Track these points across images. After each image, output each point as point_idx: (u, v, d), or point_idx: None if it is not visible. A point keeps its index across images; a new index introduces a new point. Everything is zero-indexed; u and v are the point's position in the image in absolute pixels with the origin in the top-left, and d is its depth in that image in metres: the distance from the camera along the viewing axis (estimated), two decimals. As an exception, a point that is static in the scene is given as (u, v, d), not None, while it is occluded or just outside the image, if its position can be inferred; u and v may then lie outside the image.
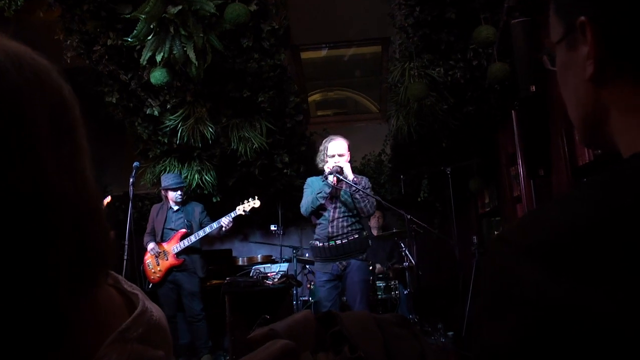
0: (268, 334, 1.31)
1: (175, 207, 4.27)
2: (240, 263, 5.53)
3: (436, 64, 4.17)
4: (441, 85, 4.23)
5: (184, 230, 4.17)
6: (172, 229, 4.23)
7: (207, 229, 4.10)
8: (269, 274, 3.79)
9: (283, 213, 5.60)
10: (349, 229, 3.16)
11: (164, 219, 4.23)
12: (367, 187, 3.24)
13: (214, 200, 5.10)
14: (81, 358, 0.42)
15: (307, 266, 5.05)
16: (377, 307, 4.57)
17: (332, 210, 3.19)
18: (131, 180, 3.56)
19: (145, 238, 4.26)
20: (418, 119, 4.57)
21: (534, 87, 2.50)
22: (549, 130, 2.49)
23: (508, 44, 2.90)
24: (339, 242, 3.14)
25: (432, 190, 5.50)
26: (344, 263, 3.16)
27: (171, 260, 4.12)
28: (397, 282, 4.75)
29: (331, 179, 3.20)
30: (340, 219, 3.17)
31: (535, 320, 0.37)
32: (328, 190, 3.18)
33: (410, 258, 4.57)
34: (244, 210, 4.11)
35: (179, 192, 4.24)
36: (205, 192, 4.93)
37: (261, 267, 4.27)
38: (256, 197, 4.12)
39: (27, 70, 0.41)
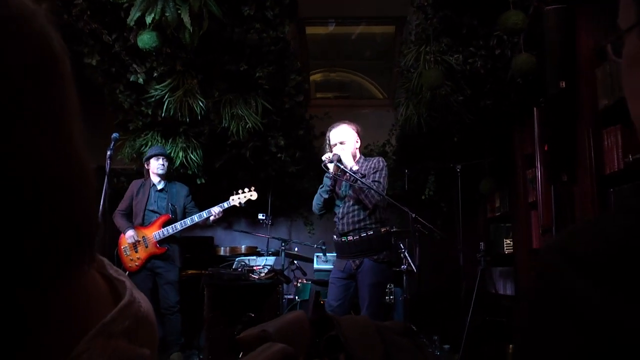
0: (260, 335, 1.29)
1: (159, 186, 4.26)
2: (222, 253, 5.53)
3: (455, 50, 4.14)
4: (458, 74, 4.22)
5: (168, 215, 4.17)
6: (154, 212, 4.21)
7: (196, 218, 4.09)
8: (254, 268, 3.78)
9: (273, 201, 5.55)
10: (361, 224, 3.16)
11: (146, 199, 4.21)
12: (378, 168, 3.19)
13: (198, 182, 5.06)
14: (59, 352, 0.41)
15: (295, 262, 5.00)
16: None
17: (342, 206, 3.21)
18: (109, 153, 3.51)
19: (119, 219, 4.22)
20: (430, 109, 4.57)
21: (564, 83, 2.48)
22: (575, 132, 2.47)
23: (538, 34, 2.87)
24: (350, 238, 3.16)
25: (438, 189, 5.50)
26: (357, 262, 3.17)
27: (152, 249, 4.11)
28: (392, 285, 4.76)
29: (331, 168, 3.19)
30: (351, 214, 3.19)
31: (597, 343, 0.36)
32: (329, 182, 3.18)
33: (410, 261, 4.50)
34: (239, 203, 4.11)
35: (161, 161, 4.23)
36: (190, 172, 4.89)
37: (245, 259, 4.29)
38: (253, 189, 4.13)
39: (9, 7, 0.38)
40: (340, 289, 3.18)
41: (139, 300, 0.50)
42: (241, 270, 3.72)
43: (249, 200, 4.11)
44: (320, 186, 3.22)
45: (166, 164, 4.25)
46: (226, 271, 3.68)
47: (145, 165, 4.31)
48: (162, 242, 4.12)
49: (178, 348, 4.12)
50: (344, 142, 3.25)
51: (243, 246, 5.68)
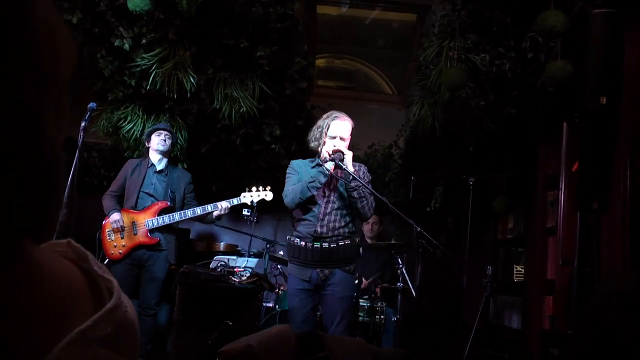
0: (245, 351, 1.25)
1: (159, 166, 4.21)
2: (199, 248, 5.51)
3: (482, 49, 4.14)
4: (483, 75, 4.22)
5: (166, 202, 4.11)
6: (150, 195, 4.14)
7: (198, 210, 4.02)
8: (235, 269, 3.75)
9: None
10: (341, 230, 3.15)
11: (142, 180, 4.14)
12: (366, 180, 3.20)
13: (180, 166, 5.01)
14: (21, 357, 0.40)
15: (279, 267, 5.02)
16: (356, 332, 4.57)
17: (323, 205, 3.16)
18: (83, 124, 3.43)
19: (107, 200, 4.15)
20: (446, 111, 4.56)
21: (604, 99, 2.46)
22: (612, 156, 2.46)
23: (579, 39, 2.85)
24: (325, 245, 3.10)
25: (446, 201, 5.48)
26: (326, 272, 3.13)
27: (142, 238, 4.02)
28: (384, 304, 4.78)
29: (329, 166, 3.14)
30: (333, 217, 3.16)
31: None
32: (323, 179, 3.11)
33: (407, 278, 4.60)
34: (251, 201, 4.05)
35: (162, 136, 4.18)
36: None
37: (224, 258, 4.23)
38: (269, 188, 4.06)
39: None
40: (304, 301, 3.13)
41: (125, 305, 0.50)
42: (221, 270, 3.69)
43: (263, 200, 4.06)
44: (309, 179, 3.11)
45: (169, 141, 4.20)
46: (204, 270, 3.65)
47: (146, 144, 4.27)
48: (154, 231, 4.06)
49: (144, 352, 4.08)
50: (345, 139, 3.22)
51: (222, 243, 5.63)
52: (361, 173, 3.21)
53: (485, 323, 4.59)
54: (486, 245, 5.80)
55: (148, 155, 4.24)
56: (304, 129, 5.15)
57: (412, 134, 5.22)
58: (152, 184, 4.15)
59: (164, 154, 4.19)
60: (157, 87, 4.32)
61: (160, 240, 4.05)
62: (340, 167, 3.10)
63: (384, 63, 6.86)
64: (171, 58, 4.24)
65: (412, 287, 4.48)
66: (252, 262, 4.33)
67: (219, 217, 4.08)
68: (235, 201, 4.05)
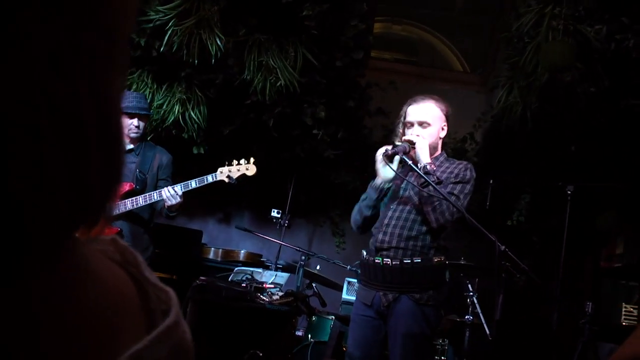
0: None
1: (130, 145, 4.22)
2: (210, 255, 5.52)
3: (597, 18, 4.06)
4: (596, 54, 4.14)
5: (131, 184, 4.10)
6: None
7: (156, 195, 3.94)
8: (264, 285, 3.77)
9: (295, 194, 5.54)
10: (410, 243, 3.09)
11: None
12: (463, 179, 3.12)
13: (195, 151, 5.07)
14: None
15: (314, 285, 4.93)
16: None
17: (392, 208, 3.17)
18: None
19: None
20: (543, 99, 4.51)
21: None
22: None
23: None
24: (387, 260, 3.06)
25: (533, 214, 5.41)
26: (390, 297, 3.08)
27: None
28: (447, 342, 4.74)
29: (396, 163, 3.11)
30: (401, 223, 3.13)
31: None
32: (374, 195, 3.15)
33: (479, 311, 4.56)
34: (227, 177, 3.96)
35: (135, 122, 4.15)
36: (185, 135, 4.91)
37: (247, 270, 4.26)
38: (252, 161, 3.99)
39: None
40: (368, 331, 3.12)
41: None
42: (247, 286, 3.70)
43: (244, 176, 3.94)
44: (363, 197, 3.18)
45: (142, 125, 4.16)
46: (226, 284, 3.66)
47: None
48: (115, 219, 4.00)
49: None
50: (426, 124, 3.16)
51: (242, 251, 5.65)
52: (453, 168, 3.16)
53: (581, 378, 4.43)
54: (585, 274, 5.69)
55: None
56: (355, 112, 5.31)
57: (494, 126, 5.19)
58: None
59: (134, 141, 4.17)
60: (174, 49, 4.34)
61: (122, 231, 3.98)
62: (405, 163, 3.05)
63: (457, 32, 6.85)
64: (194, 13, 4.28)
65: (485, 322, 4.40)
66: (282, 277, 4.33)
67: (173, 208, 3.90)
68: (209, 179, 3.90)
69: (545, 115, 4.56)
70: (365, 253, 3.17)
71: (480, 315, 4.48)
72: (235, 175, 3.98)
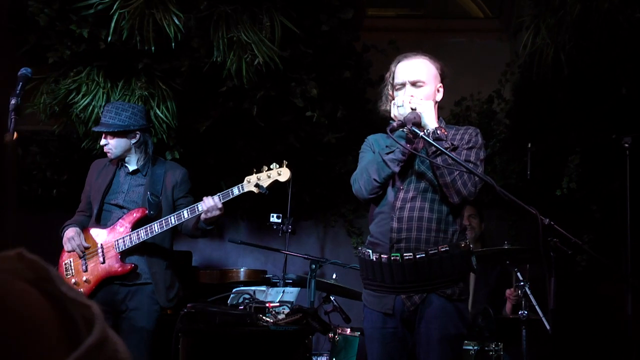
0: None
1: (132, 166, 4.08)
2: (206, 280, 5.35)
3: None
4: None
5: (143, 209, 3.95)
6: (119, 206, 4.03)
7: (186, 213, 3.84)
8: (267, 305, 3.66)
9: (295, 193, 5.23)
10: (432, 233, 2.95)
11: (106, 185, 4.04)
12: (475, 145, 3.05)
13: (169, 157, 4.88)
14: None
15: (332, 298, 4.70)
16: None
17: (398, 188, 3.05)
18: (13, 102, 3.24)
19: (71, 219, 4.11)
20: (577, 36, 4.28)
21: None
22: None
23: None
24: (407, 255, 2.89)
25: (586, 179, 5.13)
26: (416, 299, 2.93)
27: (111, 266, 3.89)
28: (501, 346, 4.36)
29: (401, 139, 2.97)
30: (416, 206, 2.99)
31: None
32: (406, 145, 2.94)
33: (534, 303, 4.27)
34: (257, 186, 3.80)
35: (102, 142, 3.98)
36: (154, 139, 4.67)
37: (249, 290, 4.08)
38: (285, 164, 3.85)
39: None
40: (393, 347, 2.99)
41: (114, 341, 0.53)
42: (245, 307, 3.58)
43: (276, 183, 3.80)
44: (385, 150, 3.01)
45: (115, 143, 3.98)
46: (219, 309, 3.53)
47: None
48: (128, 254, 3.91)
49: None
50: (421, 82, 3.04)
51: (242, 269, 5.42)
52: (466, 136, 3.06)
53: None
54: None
55: None
56: (354, 84, 5.12)
57: (523, 78, 4.96)
58: (122, 191, 4.02)
59: (124, 157, 4.06)
60: (124, 37, 4.18)
61: (137, 267, 3.90)
62: (417, 135, 2.87)
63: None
64: None
65: (544, 316, 4.19)
66: (291, 293, 4.24)
67: (211, 220, 3.84)
68: (235, 191, 3.80)
69: (583, 55, 4.32)
70: (369, 252, 3.01)
71: (537, 307, 4.22)
72: (266, 183, 3.83)
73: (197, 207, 3.86)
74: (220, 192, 3.95)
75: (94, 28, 4.27)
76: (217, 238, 5.95)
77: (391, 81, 3.13)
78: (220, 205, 3.80)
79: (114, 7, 4.10)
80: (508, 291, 4.61)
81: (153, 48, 4.24)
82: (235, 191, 3.83)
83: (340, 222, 5.95)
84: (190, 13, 4.26)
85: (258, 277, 5.29)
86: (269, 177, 3.81)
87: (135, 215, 3.94)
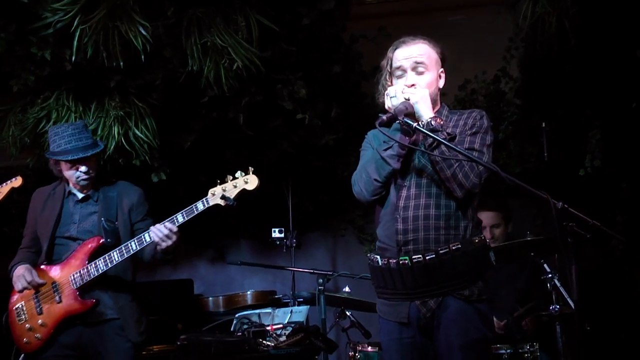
0: None
1: (81, 194, 3.96)
2: (211, 308, 5.31)
3: None
4: None
5: (98, 237, 3.85)
6: (72, 239, 3.91)
7: (134, 244, 3.70)
8: (268, 327, 3.63)
9: (296, 204, 5.30)
10: (441, 231, 2.87)
11: (56, 216, 3.93)
12: (479, 129, 2.97)
13: (155, 179, 4.87)
14: None
15: (349, 313, 4.72)
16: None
17: (400, 185, 2.98)
18: None
19: (17, 258, 4.00)
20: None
21: None
22: None
23: None
24: (418, 257, 2.81)
25: (610, 155, 5.04)
26: (431, 304, 2.86)
27: (69, 304, 3.77)
28: (536, 345, 4.31)
29: (394, 132, 2.93)
30: (421, 204, 2.91)
31: None
32: (403, 138, 2.89)
33: (566, 295, 4.18)
34: (223, 198, 3.69)
35: (82, 170, 3.86)
36: (136, 162, 4.70)
37: (253, 313, 4.12)
38: (251, 170, 3.75)
39: None
40: (413, 358, 2.93)
41: None
42: (244, 333, 3.56)
43: (244, 192, 3.65)
44: (382, 146, 2.95)
45: (92, 166, 3.89)
46: (214, 337, 3.48)
47: (52, 163, 4.04)
48: (86, 290, 3.78)
49: None
50: (422, 67, 2.98)
51: (249, 292, 5.40)
52: (464, 121, 3.00)
53: None
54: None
55: (65, 182, 4.03)
56: (346, 79, 5.16)
57: (527, 52, 4.87)
58: (73, 223, 3.91)
59: (86, 188, 3.93)
60: (89, 55, 4.12)
61: (99, 302, 3.79)
62: (411, 127, 2.81)
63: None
64: (101, 2, 4.04)
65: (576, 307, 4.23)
66: (300, 312, 4.20)
67: (167, 250, 3.66)
68: (200, 206, 3.65)
69: (589, 20, 4.23)
70: (377, 257, 2.93)
71: (569, 299, 4.11)
72: (232, 194, 3.70)
73: (144, 238, 3.69)
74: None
75: (56, 48, 4.25)
76: (219, 261, 5.93)
77: (389, 69, 3.08)
78: (175, 230, 3.62)
79: (75, 24, 4.06)
80: (495, 323, 4.47)
81: (122, 63, 4.21)
82: (200, 206, 3.67)
83: (350, 230, 5.94)
84: (157, 21, 4.23)
85: (267, 299, 5.26)
86: (235, 186, 3.67)
87: (91, 245, 3.80)
